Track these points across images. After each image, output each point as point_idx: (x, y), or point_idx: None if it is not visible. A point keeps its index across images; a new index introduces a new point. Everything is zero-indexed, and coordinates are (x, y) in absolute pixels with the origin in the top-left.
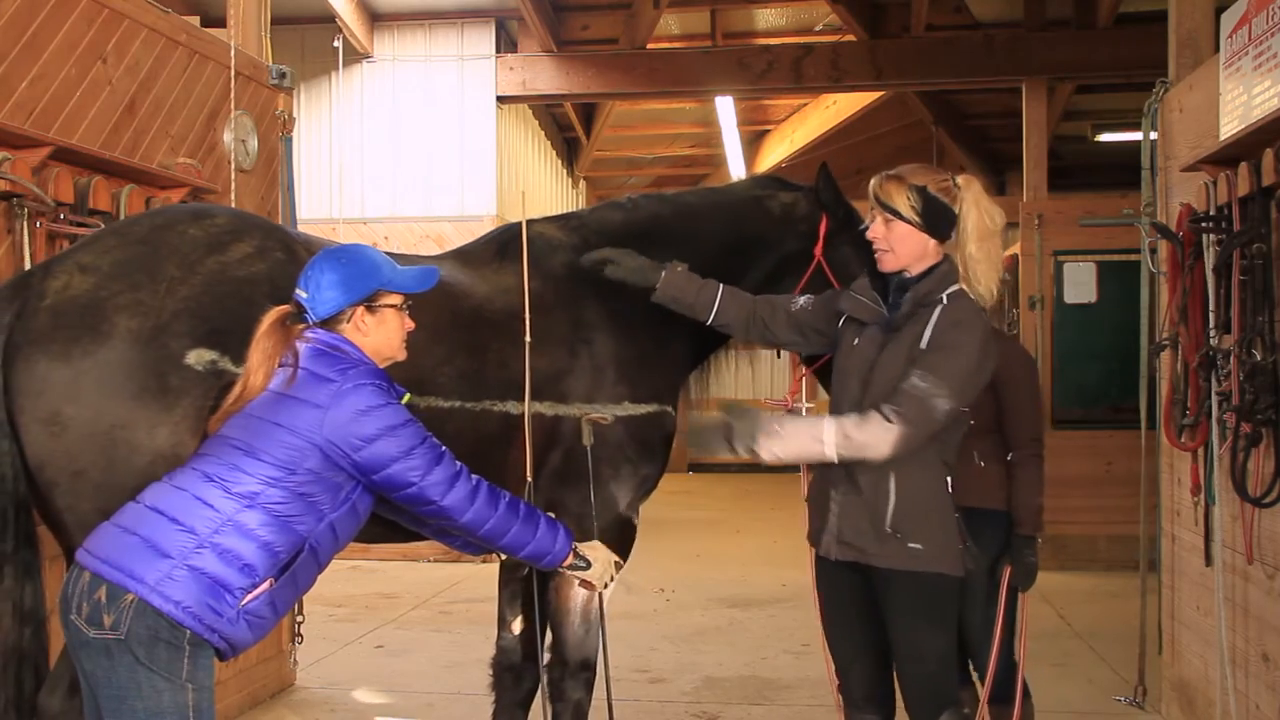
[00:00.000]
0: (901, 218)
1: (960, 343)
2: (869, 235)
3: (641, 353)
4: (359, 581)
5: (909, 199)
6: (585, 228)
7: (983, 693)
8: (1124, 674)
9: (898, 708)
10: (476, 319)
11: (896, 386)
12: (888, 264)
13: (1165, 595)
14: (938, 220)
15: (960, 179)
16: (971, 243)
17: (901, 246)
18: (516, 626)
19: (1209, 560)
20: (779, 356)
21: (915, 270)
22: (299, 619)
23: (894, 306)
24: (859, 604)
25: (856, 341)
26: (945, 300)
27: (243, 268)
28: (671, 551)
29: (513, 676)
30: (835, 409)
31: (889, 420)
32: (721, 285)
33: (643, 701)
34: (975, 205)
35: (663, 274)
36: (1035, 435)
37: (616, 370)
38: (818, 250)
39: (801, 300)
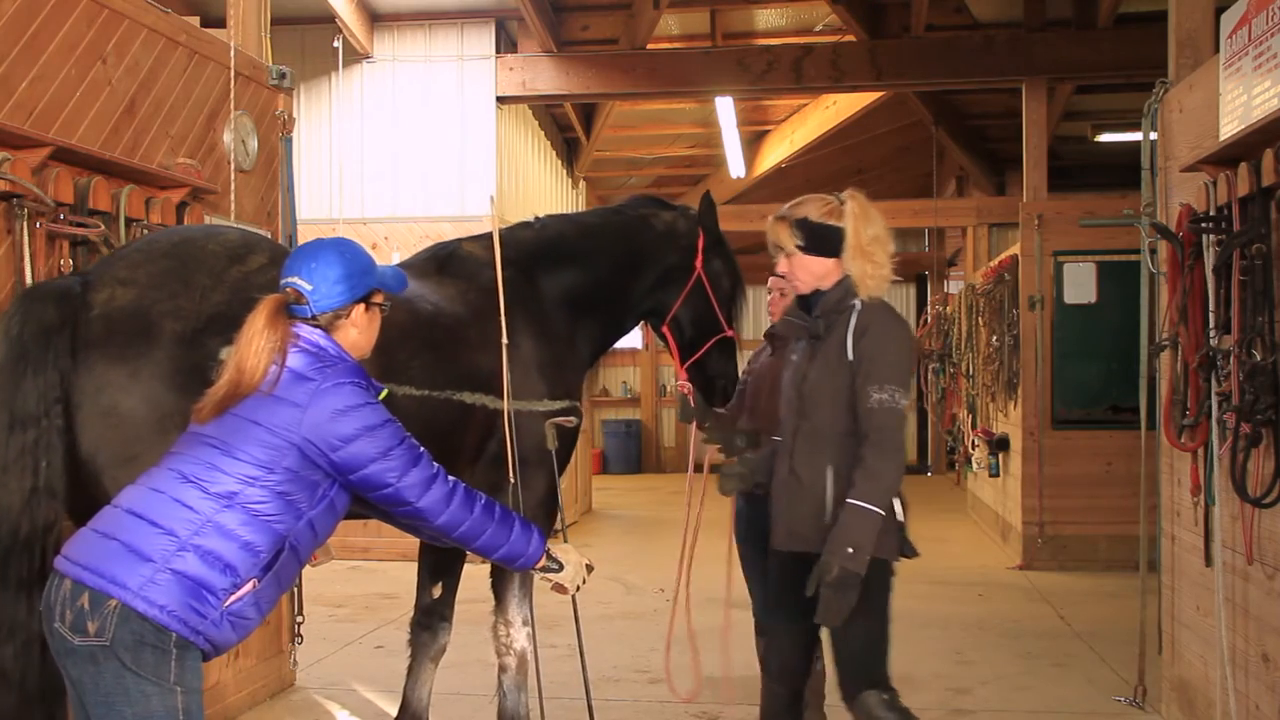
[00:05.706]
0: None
1: (882, 343)
2: (779, 270)
3: (557, 355)
4: (359, 581)
5: (791, 234)
6: (504, 245)
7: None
8: (1124, 674)
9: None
10: (434, 323)
11: (865, 408)
12: (798, 290)
13: (1165, 595)
14: (823, 243)
15: (846, 196)
16: (849, 256)
17: (802, 274)
18: (436, 591)
19: (1209, 560)
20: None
21: (826, 287)
22: (299, 619)
23: (815, 320)
24: (795, 589)
25: (794, 357)
26: (856, 307)
27: (261, 275)
28: (672, 551)
29: (430, 634)
30: (783, 416)
31: (881, 448)
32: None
33: (643, 701)
34: (853, 220)
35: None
36: None
37: (539, 370)
38: (698, 263)
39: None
